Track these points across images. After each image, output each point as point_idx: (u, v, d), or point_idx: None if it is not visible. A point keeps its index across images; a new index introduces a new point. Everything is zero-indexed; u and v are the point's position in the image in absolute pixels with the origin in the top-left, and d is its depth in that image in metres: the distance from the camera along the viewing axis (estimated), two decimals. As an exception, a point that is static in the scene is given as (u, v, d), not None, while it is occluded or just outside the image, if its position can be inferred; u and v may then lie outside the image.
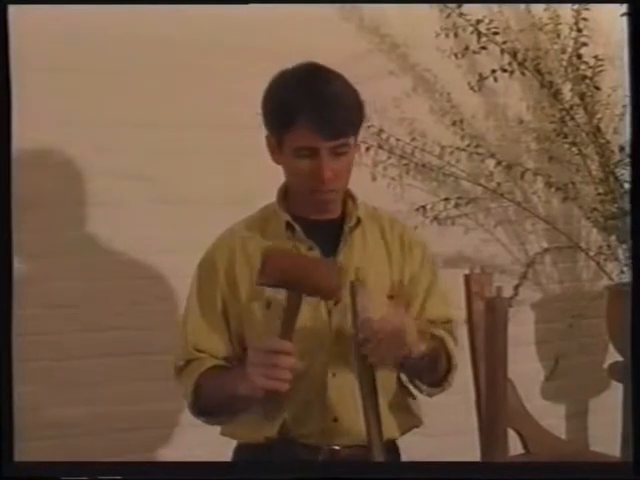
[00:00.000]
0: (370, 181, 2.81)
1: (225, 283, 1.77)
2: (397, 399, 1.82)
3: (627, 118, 2.94)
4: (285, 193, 1.82)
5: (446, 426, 2.73)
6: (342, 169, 1.71)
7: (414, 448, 2.43)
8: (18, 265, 1.49)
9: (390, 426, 1.77)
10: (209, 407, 1.77)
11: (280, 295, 1.67)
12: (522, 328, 3.03)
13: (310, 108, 1.64)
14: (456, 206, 2.87)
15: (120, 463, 1.14)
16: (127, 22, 2.41)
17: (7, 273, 1.38)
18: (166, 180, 2.54)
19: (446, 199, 2.86)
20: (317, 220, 1.77)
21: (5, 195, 1.37)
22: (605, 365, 3.16)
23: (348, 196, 1.82)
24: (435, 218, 2.85)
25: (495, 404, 1.42)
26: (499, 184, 2.96)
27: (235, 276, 1.77)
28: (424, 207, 2.82)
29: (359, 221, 1.80)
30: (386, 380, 1.75)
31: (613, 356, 3.11)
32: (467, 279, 1.68)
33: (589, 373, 3.24)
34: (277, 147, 1.72)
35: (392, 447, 1.81)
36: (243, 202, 1.92)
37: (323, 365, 1.74)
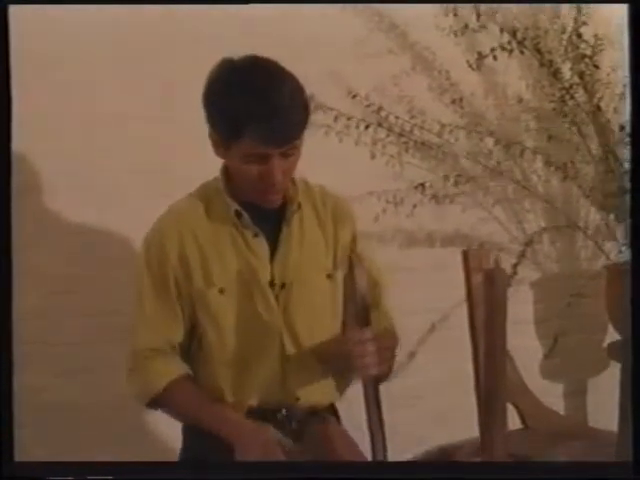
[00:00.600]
0: (369, 159, 2.80)
1: (178, 266, 1.77)
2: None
3: (627, 97, 2.93)
4: (227, 175, 1.79)
5: (444, 403, 2.75)
6: (291, 167, 1.71)
7: (412, 425, 2.45)
8: (17, 251, 1.49)
9: (330, 390, 1.85)
10: (170, 412, 1.83)
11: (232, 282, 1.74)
12: (521, 307, 3.03)
13: (259, 118, 1.59)
14: (455, 184, 2.86)
15: (120, 463, 1.14)
16: (127, 22, 2.41)
17: (7, 261, 1.37)
18: (165, 173, 2.52)
19: (445, 177, 2.86)
20: (261, 207, 1.77)
21: (5, 189, 1.36)
22: (604, 345, 3.17)
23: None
24: (434, 196, 2.85)
25: (494, 377, 1.42)
26: (498, 163, 2.96)
27: (187, 260, 1.77)
28: (423, 185, 2.81)
29: (299, 206, 1.81)
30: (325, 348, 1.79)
31: (612, 336, 3.12)
32: (465, 255, 1.68)
33: (588, 352, 3.25)
34: (222, 146, 1.70)
35: (332, 410, 1.89)
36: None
37: (277, 348, 1.79)
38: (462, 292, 2.25)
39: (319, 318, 1.81)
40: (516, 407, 1.91)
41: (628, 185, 2.87)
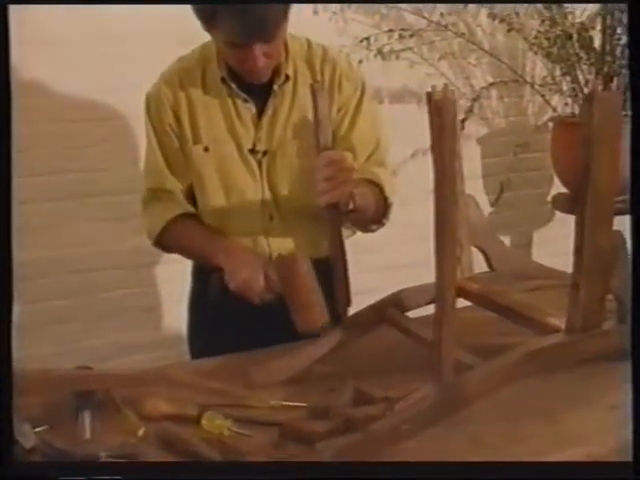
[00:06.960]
0: (312, 15, 2.75)
1: (174, 121, 1.81)
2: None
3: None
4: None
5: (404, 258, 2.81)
6: (274, 50, 1.69)
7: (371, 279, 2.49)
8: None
9: (314, 247, 1.83)
10: (173, 250, 1.92)
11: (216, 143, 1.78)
12: (469, 162, 3.05)
13: (231, 11, 1.59)
14: (400, 38, 2.84)
15: (120, 463, 1.16)
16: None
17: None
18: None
19: (390, 31, 2.83)
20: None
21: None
22: (549, 197, 3.23)
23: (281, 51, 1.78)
24: (379, 52, 2.82)
25: (445, 204, 1.34)
26: (442, 15, 2.92)
27: (179, 116, 1.81)
28: (368, 39, 2.79)
29: (287, 78, 1.79)
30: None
31: (558, 188, 3.18)
32: (429, 96, 1.63)
33: (534, 205, 3.32)
34: (204, 26, 1.67)
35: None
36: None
37: (259, 209, 1.83)
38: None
39: (304, 184, 1.79)
40: (481, 250, 1.87)
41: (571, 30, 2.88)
